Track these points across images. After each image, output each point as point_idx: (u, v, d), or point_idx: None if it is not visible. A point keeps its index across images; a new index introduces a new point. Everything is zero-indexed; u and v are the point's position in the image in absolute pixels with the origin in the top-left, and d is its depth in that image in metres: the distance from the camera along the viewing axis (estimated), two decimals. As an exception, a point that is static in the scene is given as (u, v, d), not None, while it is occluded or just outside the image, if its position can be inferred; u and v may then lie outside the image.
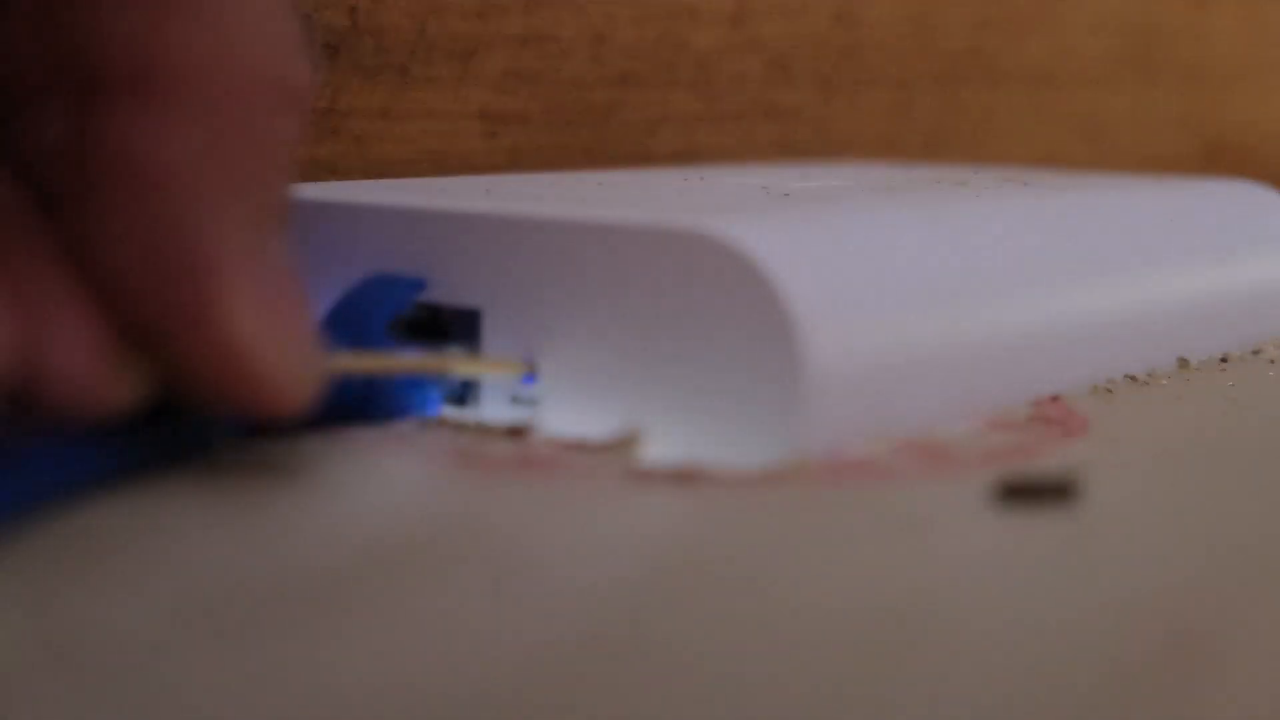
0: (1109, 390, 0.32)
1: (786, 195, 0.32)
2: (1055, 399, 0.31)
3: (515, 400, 0.28)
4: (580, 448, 0.26)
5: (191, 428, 0.25)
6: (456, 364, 0.28)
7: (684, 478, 0.25)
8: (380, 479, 0.25)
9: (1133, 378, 0.33)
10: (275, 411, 0.23)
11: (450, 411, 0.28)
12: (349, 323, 0.27)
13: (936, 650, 0.19)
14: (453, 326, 0.28)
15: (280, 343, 0.23)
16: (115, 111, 0.22)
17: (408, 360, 0.28)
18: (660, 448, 0.26)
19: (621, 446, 0.26)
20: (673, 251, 0.26)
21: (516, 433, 0.27)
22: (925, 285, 0.29)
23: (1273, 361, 0.35)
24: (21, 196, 0.23)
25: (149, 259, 0.22)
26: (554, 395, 0.27)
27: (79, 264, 0.22)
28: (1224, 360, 0.35)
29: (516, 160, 0.43)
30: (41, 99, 0.23)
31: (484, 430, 0.27)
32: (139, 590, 0.20)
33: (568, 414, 0.27)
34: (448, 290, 0.28)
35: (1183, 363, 0.34)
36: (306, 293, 0.23)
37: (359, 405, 0.27)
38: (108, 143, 0.22)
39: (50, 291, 0.22)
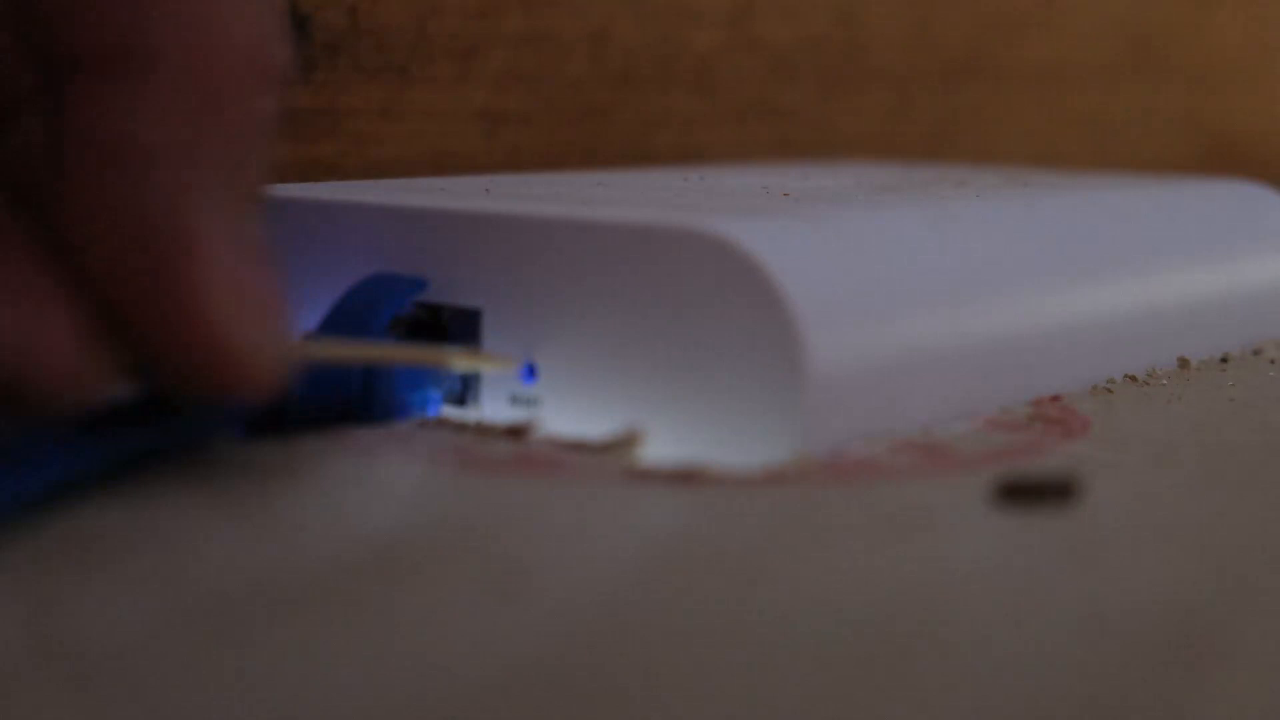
0: (1109, 390, 0.32)
1: (786, 195, 0.32)
2: (1056, 399, 0.31)
3: (515, 400, 0.28)
4: (580, 448, 0.26)
5: (188, 424, 0.24)
6: (442, 356, 0.28)
7: (684, 478, 0.25)
8: (380, 479, 0.25)
9: (1133, 378, 0.33)
10: (245, 390, 0.23)
11: (450, 411, 0.28)
12: (349, 323, 0.27)
13: (936, 650, 0.19)
14: (453, 326, 0.28)
15: (251, 320, 0.22)
16: (89, 93, 0.22)
17: (389, 350, 0.27)
18: (660, 448, 0.26)
19: (621, 446, 0.26)
20: (673, 251, 0.26)
21: (516, 433, 0.27)
22: (925, 285, 0.29)
23: (1273, 361, 0.35)
24: None
25: (122, 235, 0.22)
26: (554, 395, 0.27)
27: (56, 249, 0.22)
28: (1224, 360, 0.35)
29: (516, 160, 0.43)
30: (16, 86, 0.23)
31: (484, 430, 0.27)
32: (139, 590, 0.20)
33: (568, 414, 0.27)
34: (448, 290, 0.28)
35: (1183, 363, 0.34)
36: (279, 272, 0.23)
37: (359, 405, 0.27)
38: (81, 124, 0.22)
39: (31, 281, 0.22)
